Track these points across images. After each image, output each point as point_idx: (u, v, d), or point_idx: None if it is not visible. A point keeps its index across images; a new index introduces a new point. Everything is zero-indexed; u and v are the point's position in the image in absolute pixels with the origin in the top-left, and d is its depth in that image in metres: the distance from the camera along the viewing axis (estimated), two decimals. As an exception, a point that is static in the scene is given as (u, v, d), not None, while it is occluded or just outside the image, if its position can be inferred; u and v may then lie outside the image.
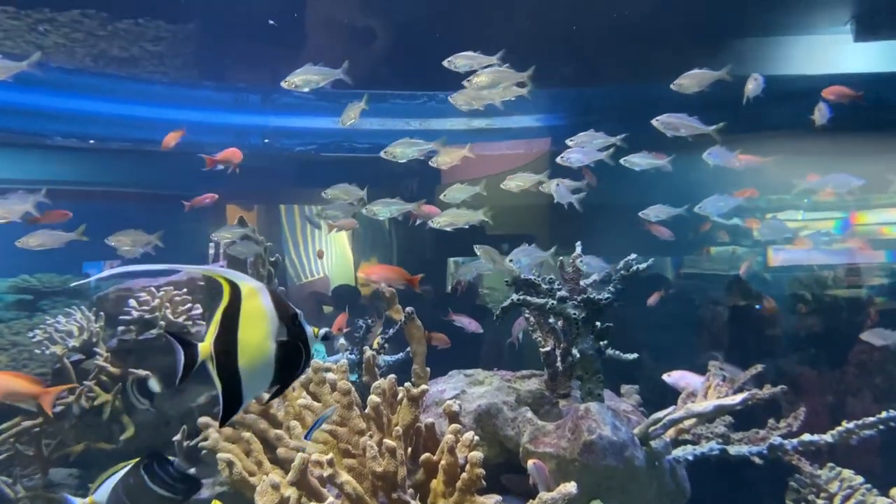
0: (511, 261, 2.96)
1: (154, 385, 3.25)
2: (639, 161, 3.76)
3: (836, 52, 4.49)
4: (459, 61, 3.44)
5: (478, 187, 4.03)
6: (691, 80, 3.59)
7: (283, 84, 3.67)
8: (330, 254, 9.15)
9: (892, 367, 4.39)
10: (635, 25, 4.48)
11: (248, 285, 1.44)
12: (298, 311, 1.44)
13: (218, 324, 1.42)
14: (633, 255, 2.74)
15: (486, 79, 3.46)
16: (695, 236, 5.64)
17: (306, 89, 3.64)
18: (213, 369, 1.43)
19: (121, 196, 6.50)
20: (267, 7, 4.69)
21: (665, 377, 3.29)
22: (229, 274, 1.45)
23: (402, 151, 3.77)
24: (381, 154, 3.83)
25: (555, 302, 2.63)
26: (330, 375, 2.59)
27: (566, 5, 4.56)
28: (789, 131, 4.84)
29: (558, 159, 3.98)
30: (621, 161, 3.81)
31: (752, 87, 3.63)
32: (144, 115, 5.79)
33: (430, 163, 4.08)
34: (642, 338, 4.38)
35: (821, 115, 3.66)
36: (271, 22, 4.11)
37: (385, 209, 3.85)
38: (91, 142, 5.84)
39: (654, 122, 3.66)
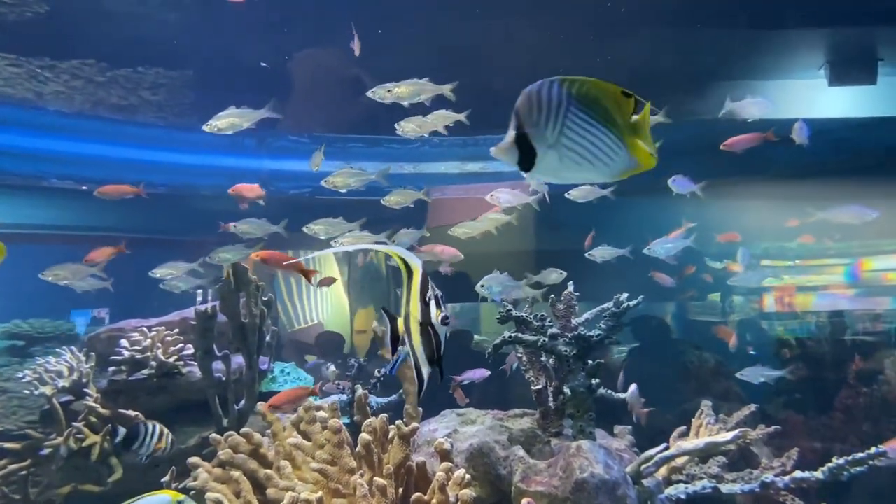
0: (482, 286, 3.00)
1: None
2: (582, 194, 3.88)
3: (811, 97, 4.61)
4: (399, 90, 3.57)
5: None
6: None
7: (205, 128, 3.76)
8: (325, 301, 9.13)
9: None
10: (622, 68, 4.59)
11: (416, 265, 1.50)
12: (437, 292, 1.47)
13: (414, 300, 1.48)
14: (625, 294, 2.76)
15: (406, 90, 3.58)
16: (680, 281, 5.66)
17: (230, 132, 3.73)
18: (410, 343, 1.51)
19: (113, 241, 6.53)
20: (261, 55, 4.79)
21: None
22: (404, 253, 1.50)
23: (343, 181, 3.87)
24: (322, 183, 3.91)
25: (546, 339, 2.64)
26: (321, 414, 2.57)
27: (558, 48, 4.67)
28: (767, 175, 4.95)
29: (488, 197, 4.08)
30: (565, 195, 3.92)
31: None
32: (140, 158, 5.86)
33: (381, 201, 4.21)
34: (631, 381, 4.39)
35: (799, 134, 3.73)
36: (263, 64, 4.20)
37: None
38: (84, 187, 5.89)
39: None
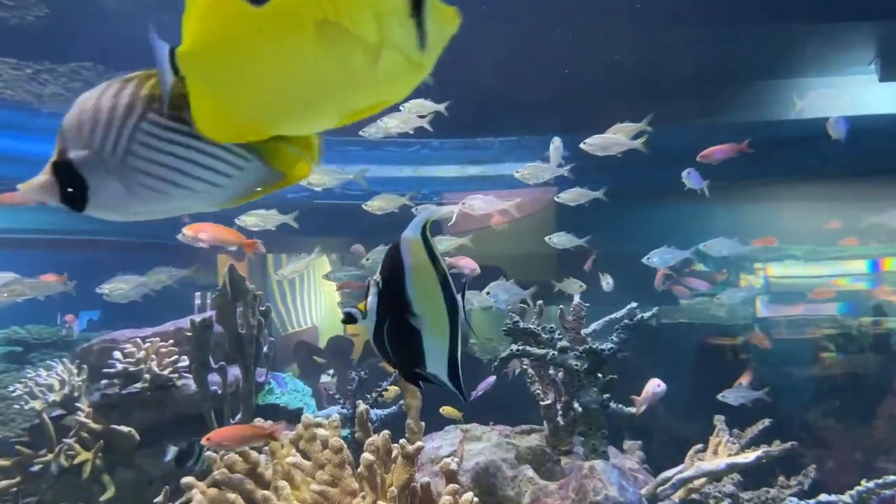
0: (488, 293, 2.91)
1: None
2: (574, 196, 3.83)
3: (861, 93, 4.42)
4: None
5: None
6: (602, 141, 3.68)
7: None
8: (319, 305, 9.04)
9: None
10: (656, 67, 4.47)
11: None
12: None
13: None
14: (636, 304, 2.66)
15: (397, 122, 3.58)
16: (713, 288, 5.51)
17: None
18: None
19: (108, 245, 6.43)
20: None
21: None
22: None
23: (318, 179, 3.83)
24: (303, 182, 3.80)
25: (556, 352, 2.53)
26: (321, 432, 2.46)
27: (562, 51, 4.58)
28: (811, 175, 4.77)
29: (460, 204, 4.01)
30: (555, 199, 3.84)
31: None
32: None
33: (363, 206, 4.16)
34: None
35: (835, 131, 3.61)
36: None
37: None
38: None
39: (582, 145, 3.68)
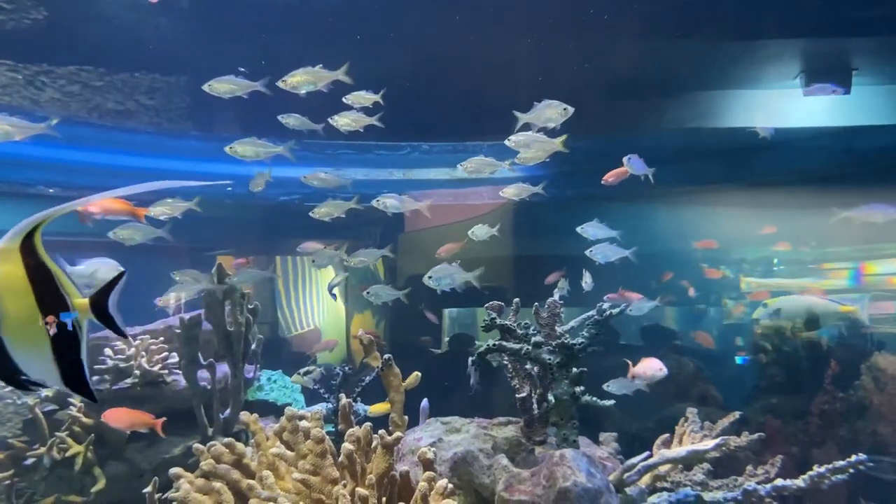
0: (430, 277, 3.01)
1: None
2: (593, 231, 3.87)
3: (787, 106, 4.63)
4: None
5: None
6: (524, 139, 3.78)
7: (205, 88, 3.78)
8: (322, 307, 9.12)
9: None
10: (604, 75, 4.61)
11: None
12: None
13: None
14: (607, 301, 2.76)
15: (300, 78, 3.61)
16: (658, 285, 5.68)
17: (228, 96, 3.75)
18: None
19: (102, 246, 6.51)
20: (251, 59, 4.78)
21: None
22: None
23: (242, 150, 3.88)
24: (227, 150, 3.88)
25: (530, 347, 2.64)
26: (304, 423, 2.56)
27: (544, 59, 4.69)
28: (743, 183, 4.97)
29: (374, 202, 4.11)
30: (577, 230, 3.91)
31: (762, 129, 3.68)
32: (130, 165, 5.84)
33: (311, 214, 4.27)
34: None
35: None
36: (241, 69, 4.20)
37: None
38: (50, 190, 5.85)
39: (506, 141, 3.82)
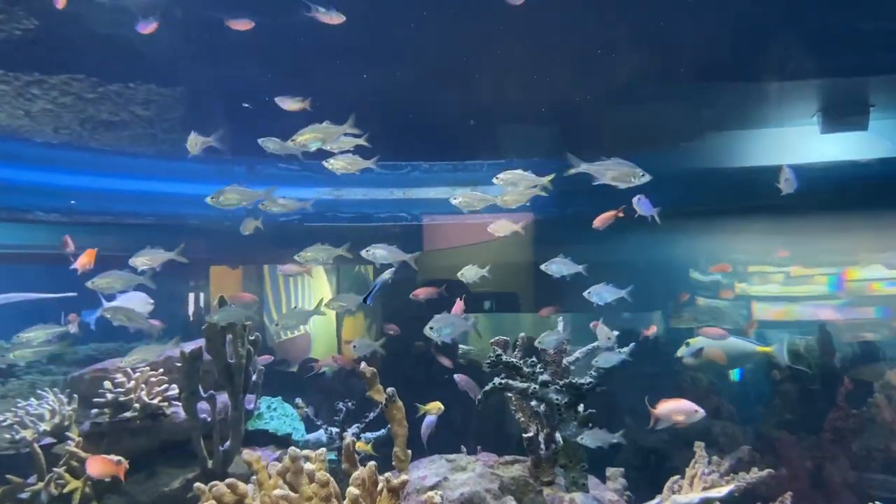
0: (431, 328, 2.98)
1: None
2: (556, 268, 3.87)
3: (804, 143, 4.67)
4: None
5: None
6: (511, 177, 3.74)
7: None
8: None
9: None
10: (622, 118, 4.63)
11: None
12: None
13: None
14: (616, 332, 2.74)
15: (308, 135, 3.58)
16: (676, 305, 5.71)
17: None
18: None
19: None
20: (253, 77, 4.75)
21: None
22: None
23: (225, 199, 3.82)
24: (208, 200, 3.82)
25: (537, 386, 2.60)
26: (308, 466, 2.51)
27: (547, 79, 4.67)
28: (763, 214, 5.02)
29: (364, 252, 4.07)
30: (541, 267, 3.90)
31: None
32: (126, 189, 5.81)
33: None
34: (624, 401, 4.41)
35: (787, 184, 3.75)
36: (246, 105, 4.16)
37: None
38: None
39: (494, 180, 3.76)
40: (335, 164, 3.76)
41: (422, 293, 4.78)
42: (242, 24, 3.58)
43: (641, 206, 3.67)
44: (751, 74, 4.06)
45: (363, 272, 8.57)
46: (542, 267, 4.03)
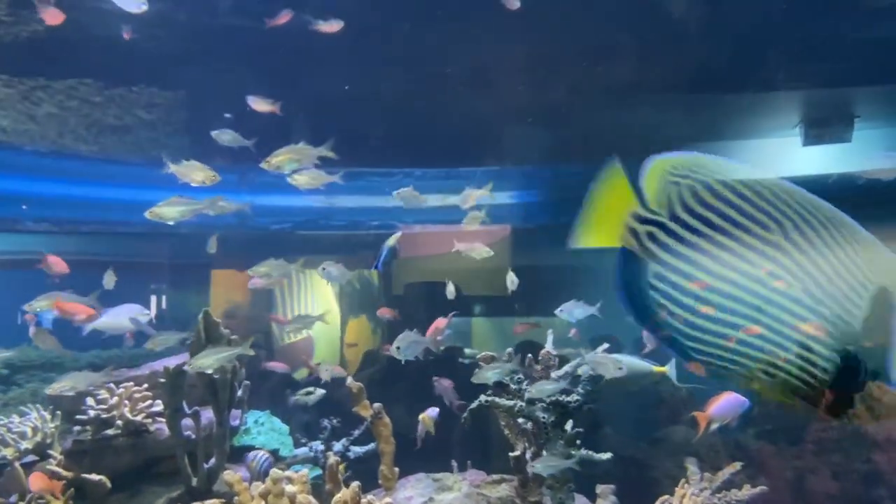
0: (397, 348, 2.98)
1: None
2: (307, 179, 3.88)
3: (785, 155, 4.64)
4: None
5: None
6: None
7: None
8: (315, 313, 9.03)
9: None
10: (603, 127, 4.61)
11: None
12: None
13: None
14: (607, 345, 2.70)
15: (284, 157, 3.56)
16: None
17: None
18: None
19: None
20: (244, 83, 4.72)
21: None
22: None
23: (168, 211, 3.77)
24: (147, 215, 3.78)
25: (523, 404, 2.55)
26: (289, 488, 2.47)
27: (536, 85, 4.65)
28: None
29: (319, 270, 4.04)
30: (556, 312, 3.90)
31: None
32: (116, 198, 5.78)
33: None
34: (604, 410, 4.36)
35: None
36: (227, 115, 4.13)
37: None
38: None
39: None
40: (299, 180, 3.73)
41: (385, 312, 5.01)
42: (331, 27, 3.52)
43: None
44: (731, 86, 4.04)
45: (367, 276, 8.54)
46: (557, 312, 3.99)
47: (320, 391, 4.53)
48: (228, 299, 7.02)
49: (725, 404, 3.36)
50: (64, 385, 3.19)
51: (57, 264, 3.94)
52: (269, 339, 7.76)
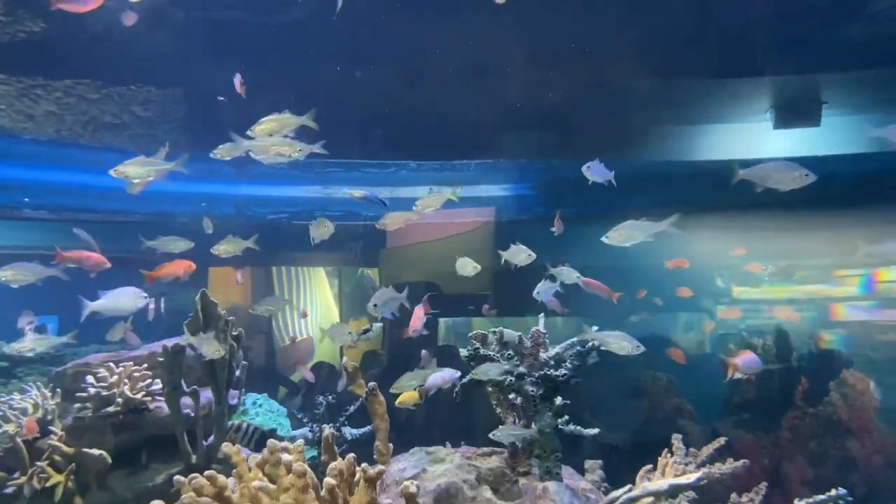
0: (374, 305, 3.05)
1: None
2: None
3: (757, 139, 4.74)
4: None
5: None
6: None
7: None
8: (316, 314, 9.13)
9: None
10: (584, 109, 4.70)
11: None
12: None
13: None
14: (595, 327, 2.77)
15: (266, 125, 3.57)
16: (633, 302, 5.81)
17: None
18: None
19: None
20: (244, 72, 4.78)
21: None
22: None
23: (134, 170, 3.81)
24: (111, 173, 3.83)
25: (513, 378, 2.63)
26: (286, 457, 2.54)
27: (530, 82, 4.72)
28: (716, 211, 5.17)
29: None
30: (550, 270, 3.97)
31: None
32: (116, 185, 5.82)
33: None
34: (585, 398, 4.47)
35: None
36: (221, 98, 4.19)
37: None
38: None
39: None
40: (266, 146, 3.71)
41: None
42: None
43: (592, 173, 3.61)
44: (704, 71, 4.14)
45: (366, 274, 8.63)
46: (552, 270, 4.09)
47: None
48: (227, 299, 7.13)
49: (749, 360, 3.46)
50: (24, 346, 3.29)
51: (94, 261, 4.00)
52: (270, 340, 7.85)
